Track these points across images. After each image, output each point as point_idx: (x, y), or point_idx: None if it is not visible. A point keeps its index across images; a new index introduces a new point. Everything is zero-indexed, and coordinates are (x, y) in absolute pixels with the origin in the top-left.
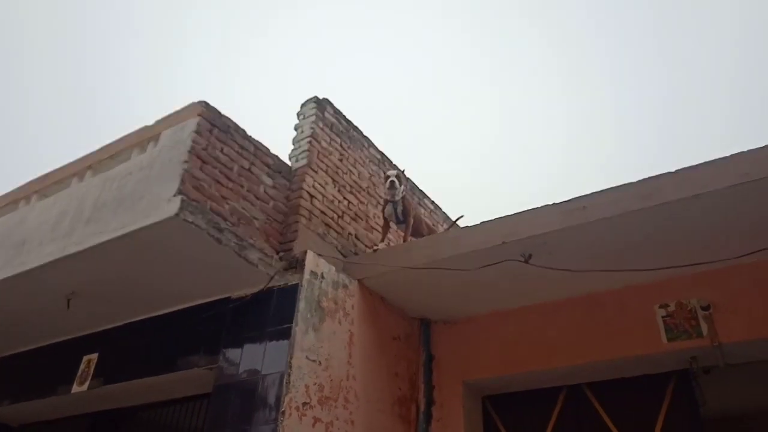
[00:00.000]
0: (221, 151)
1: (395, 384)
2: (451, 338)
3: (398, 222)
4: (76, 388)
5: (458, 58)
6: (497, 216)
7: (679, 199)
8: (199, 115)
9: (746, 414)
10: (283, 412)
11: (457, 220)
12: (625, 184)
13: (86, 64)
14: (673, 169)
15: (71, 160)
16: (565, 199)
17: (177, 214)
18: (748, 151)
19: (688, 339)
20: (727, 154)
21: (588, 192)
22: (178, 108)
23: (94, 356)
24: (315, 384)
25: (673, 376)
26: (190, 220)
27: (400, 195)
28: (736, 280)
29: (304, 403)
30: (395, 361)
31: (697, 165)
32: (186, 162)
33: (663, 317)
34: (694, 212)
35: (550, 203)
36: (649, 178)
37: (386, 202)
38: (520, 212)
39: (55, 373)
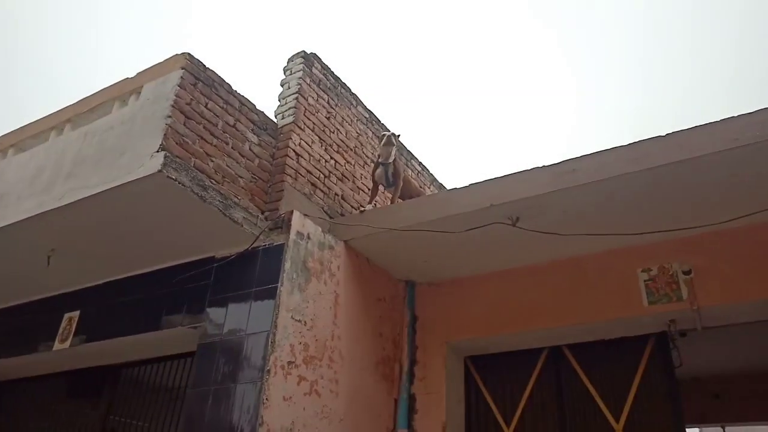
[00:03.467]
0: (205, 106)
1: (379, 344)
2: (435, 300)
3: (388, 185)
4: (57, 346)
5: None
6: (485, 178)
7: (667, 163)
8: (183, 68)
9: (719, 375)
10: (268, 371)
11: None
12: (614, 148)
13: (57, 15)
14: (663, 133)
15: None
16: (554, 162)
17: (160, 171)
18: (738, 116)
19: (669, 302)
20: (717, 119)
21: (577, 155)
22: (161, 60)
23: (76, 314)
24: (300, 343)
25: (651, 339)
26: (173, 177)
27: (393, 157)
28: (718, 245)
29: (289, 362)
30: (380, 322)
31: (686, 129)
32: (169, 117)
33: (645, 281)
34: (680, 177)
35: (539, 165)
36: (639, 141)
37: (377, 164)
38: (509, 174)
39: (37, 331)
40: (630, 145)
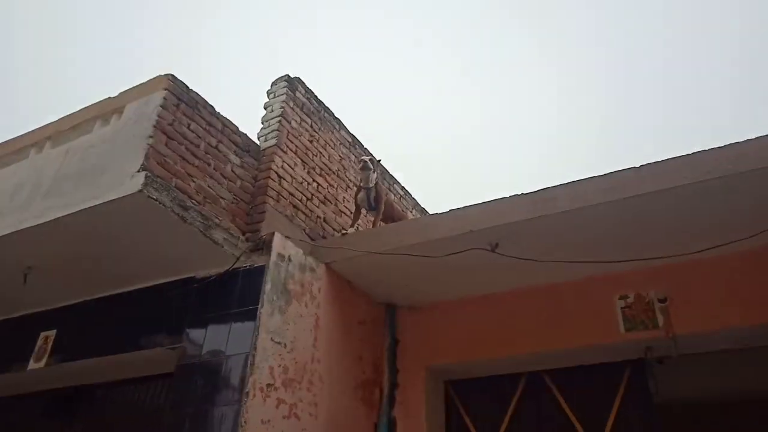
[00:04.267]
0: (188, 127)
1: (359, 367)
2: (416, 323)
3: (370, 208)
4: (32, 365)
5: (441, 44)
6: (466, 204)
7: (642, 194)
8: (166, 88)
9: (695, 402)
10: (247, 393)
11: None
12: (591, 177)
13: (44, 32)
14: (638, 164)
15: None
16: (534, 190)
17: (141, 191)
18: (709, 149)
19: (645, 329)
20: (690, 152)
21: (555, 184)
22: (144, 80)
23: (52, 333)
24: (279, 366)
25: (628, 365)
26: (154, 197)
27: (373, 182)
28: (692, 274)
29: (269, 385)
30: (360, 345)
31: (660, 161)
32: (151, 137)
33: (622, 308)
34: (655, 207)
35: (519, 193)
36: (615, 172)
37: (360, 188)
38: (489, 201)
39: (11, 350)
40: (606, 175)
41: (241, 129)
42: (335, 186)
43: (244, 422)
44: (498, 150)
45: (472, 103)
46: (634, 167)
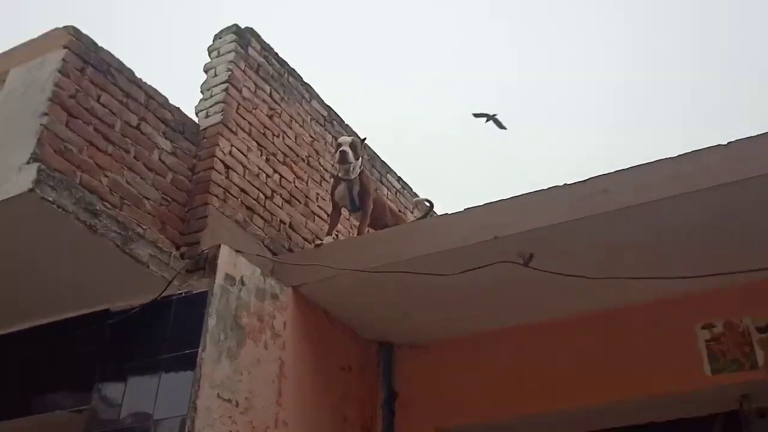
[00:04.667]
0: (97, 100)
1: None
2: (421, 369)
3: (354, 208)
4: None
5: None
6: (487, 201)
7: (731, 182)
8: (66, 46)
9: None
10: None
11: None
12: (660, 160)
13: None
14: (724, 142)
15: None
16: (579, 180)
17: (32, 190)
18: None
19: (740, 371)
20: None
21: (610, 171)
22: (34, 36)
23: None
24: None
25: (717, 421)
26: (50, 198)
27: (357, 171)
28: None
29: None
30: (343, 401)
31: (756, 136)
32: (45, 114)
33: (706, 341)
34: (750, 199)
35: (560, 185)
36: (694, 152)
37: (337, 180)
38: (518, 196)
39: None
40: (678, 157)
41: (173, 102)
42: (305, 178)
43: None
44: (535, 129)
45: (499, 61)
46: (720, 145)
